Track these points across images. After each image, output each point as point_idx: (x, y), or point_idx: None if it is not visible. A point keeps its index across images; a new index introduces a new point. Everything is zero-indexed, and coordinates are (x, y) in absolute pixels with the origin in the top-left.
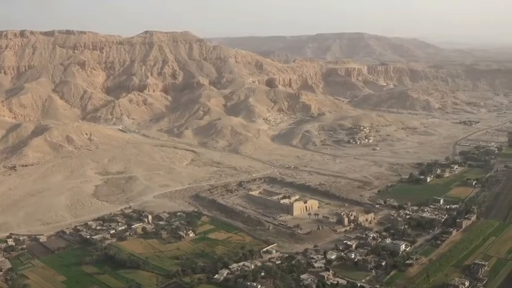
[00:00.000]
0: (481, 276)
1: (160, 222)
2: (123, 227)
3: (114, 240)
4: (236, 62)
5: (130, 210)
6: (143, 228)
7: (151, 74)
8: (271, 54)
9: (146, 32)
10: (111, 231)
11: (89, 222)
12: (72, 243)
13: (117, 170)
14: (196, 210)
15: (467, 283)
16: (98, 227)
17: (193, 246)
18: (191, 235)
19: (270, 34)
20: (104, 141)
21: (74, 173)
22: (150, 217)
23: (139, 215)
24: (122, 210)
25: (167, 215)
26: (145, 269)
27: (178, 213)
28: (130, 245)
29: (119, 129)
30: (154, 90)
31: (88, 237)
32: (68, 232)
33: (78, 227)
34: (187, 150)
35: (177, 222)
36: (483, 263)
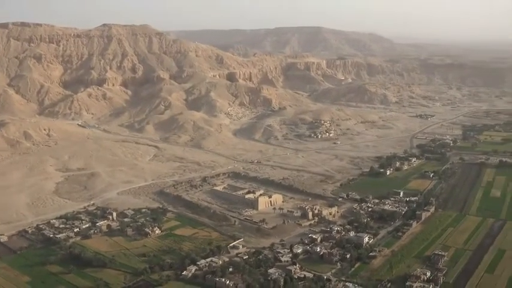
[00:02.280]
0: (441, 266)
1: (125, 219)
2: (87, 225)
3: (78, 238)
4: (196, 56)
5: (93, 208)
6: (108, 226)
7: (111, 68)
8: (230, 48)
9: (104, 25)
10: (75, 230)
11: (51, 221)
12: (35, 242)
13: (78, 166)
14: (161, 206)
15: (428, 273)
16: (61, 226)
17: (160, 243)
18: (157, 232)
19: (229, 27)
20: (63, 137)
21: (33, 170)
22: (114, 214)
23: (103, 212)
24: (85, 207)
25: (132, 212)
26: (112, 267)
27: (143, 210)
28: (96, 243)
29: (78, 124)
30: (113, 85)
31: (51, 236)
32: (30, 231)
33: (41, 226)
34: (150, 145)
35: (143, 219)
36: (442, 253)
